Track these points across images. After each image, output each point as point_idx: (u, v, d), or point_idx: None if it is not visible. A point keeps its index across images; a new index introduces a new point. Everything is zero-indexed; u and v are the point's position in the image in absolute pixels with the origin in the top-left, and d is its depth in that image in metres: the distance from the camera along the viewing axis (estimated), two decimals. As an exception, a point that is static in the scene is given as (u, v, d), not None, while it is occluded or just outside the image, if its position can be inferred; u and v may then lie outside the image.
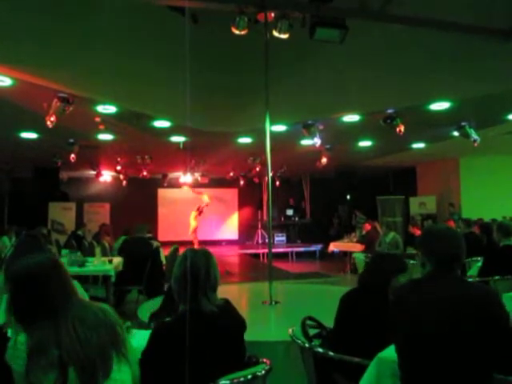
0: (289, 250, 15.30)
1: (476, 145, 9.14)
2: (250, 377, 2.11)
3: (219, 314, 2.21)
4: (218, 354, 2.16)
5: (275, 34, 4.76)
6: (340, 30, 4.59)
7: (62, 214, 14.53)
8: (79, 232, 10.90)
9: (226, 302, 2.34)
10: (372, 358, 2.40)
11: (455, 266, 2.06)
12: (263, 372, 2.18)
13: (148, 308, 5.63)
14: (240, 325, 2.32)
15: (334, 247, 12.42)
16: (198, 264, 2.27)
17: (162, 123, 8.43)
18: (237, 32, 4.68)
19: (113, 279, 6.71)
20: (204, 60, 5.50)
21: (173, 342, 2.07)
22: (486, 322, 1.85)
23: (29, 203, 13.65)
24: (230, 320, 2.28)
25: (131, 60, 5.82)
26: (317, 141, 8.74)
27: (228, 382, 2.04)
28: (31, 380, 1.71)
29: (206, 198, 17.10)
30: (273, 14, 4.82)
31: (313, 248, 15.60)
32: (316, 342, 3.00)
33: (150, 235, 8.01)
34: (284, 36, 4.76)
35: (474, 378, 1.86)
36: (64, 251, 8.04)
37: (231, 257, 15.09)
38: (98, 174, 14.67)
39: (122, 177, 15.18)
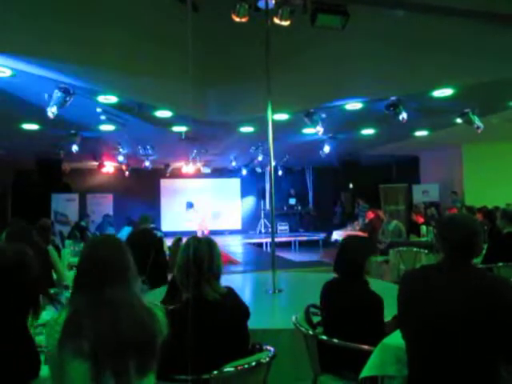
0: (292, 239, 15.30)
1: (479, 131, 9.07)
2: (254, 364, 2.13)
3: (222, 302, 2.22)
4: (221, 341, 2.16)
5: (276, 21, 4.72)
6: (341, 16, 4.55)
7: (65, 205, 14.54)
8: (82, 223, 10.97)
9: (230, 290, 2.34)
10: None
11: (467, 253, 2.04)
12: (267, 359, 2.19)
13: (152, 298, 5.63)
14: (243, 312, 2.32)
15: (337, 236, 12.42)
16: (202, 252, 2.27)
17: (163, 113, 8.39)
18: (237, 20, 4.64)
19: (117, 269, 6.72)
20: (205, 49, 5.46)
21: (176, 329, 2.08)
22: (497, 311, 1.83)
23: (32, 195, 13.66)
24: (234, 307, 2.28)
25: (132, 50, 5.79)
26: (319, 129, 8.68)
27: (232, 368, 2.05)
28: (63, 364, 1.55)
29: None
30: (273, 1, 4.77)
31: (316, 237, 15.59)
32: (319, 329, 3.01)
33: (153, 225, 8.01)
34: (285, 23, 4.72)
35: (482, 369, 1.85)
36: (68, 242, 8.08)
37: (234, 246, 15.12)
38: (101, 165, 14.65)
39: (124, 167, 15.15)
